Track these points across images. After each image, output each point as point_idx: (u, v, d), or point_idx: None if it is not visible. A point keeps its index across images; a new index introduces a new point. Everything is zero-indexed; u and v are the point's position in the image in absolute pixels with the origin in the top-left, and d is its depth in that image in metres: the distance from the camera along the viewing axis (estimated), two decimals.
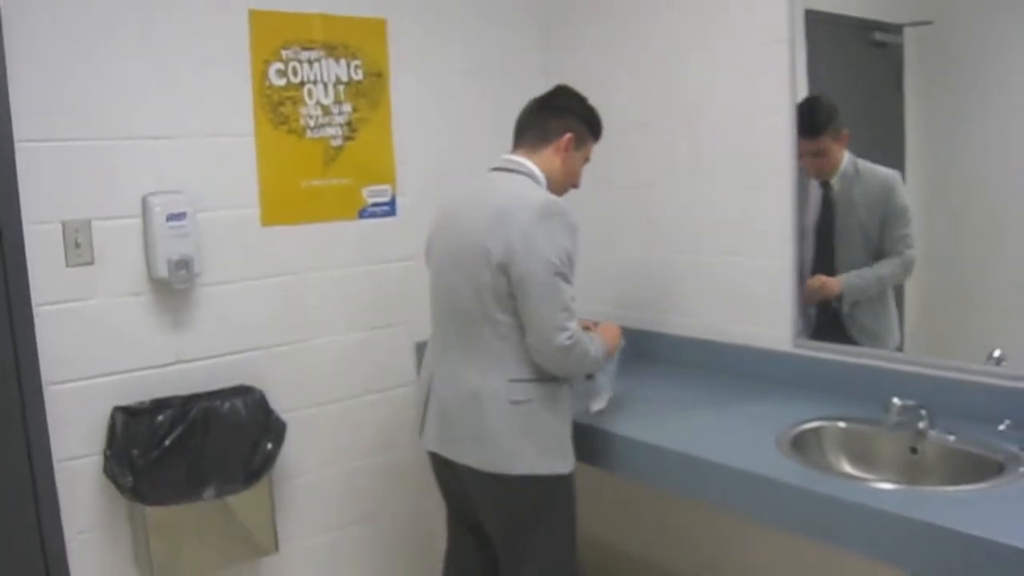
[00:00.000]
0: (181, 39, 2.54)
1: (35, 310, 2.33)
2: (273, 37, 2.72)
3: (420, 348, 2.98)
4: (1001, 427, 2.11)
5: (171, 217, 2.48)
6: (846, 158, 2.59)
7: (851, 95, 2.61)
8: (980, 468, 1.99)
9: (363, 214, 2.97)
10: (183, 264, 2.50)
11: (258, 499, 2.65)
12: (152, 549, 2.46)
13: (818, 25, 2.55)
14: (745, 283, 2.81)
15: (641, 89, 3.06)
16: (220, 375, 2.66)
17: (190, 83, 2.56)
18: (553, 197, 2.22)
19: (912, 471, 2.17)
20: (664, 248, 3.07)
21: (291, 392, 2.82)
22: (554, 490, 2.25)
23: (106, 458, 2.43)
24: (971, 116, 2.33)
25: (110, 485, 2.44)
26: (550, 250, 2.11)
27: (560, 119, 2.37)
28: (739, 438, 2.26)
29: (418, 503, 3.15)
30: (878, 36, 2.51)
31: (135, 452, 2.42)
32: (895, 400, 2.18)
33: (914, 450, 2.20)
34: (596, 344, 2.28)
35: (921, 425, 2.18)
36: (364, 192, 2.97)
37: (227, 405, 2.59)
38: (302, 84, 2.79)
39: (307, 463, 2.91)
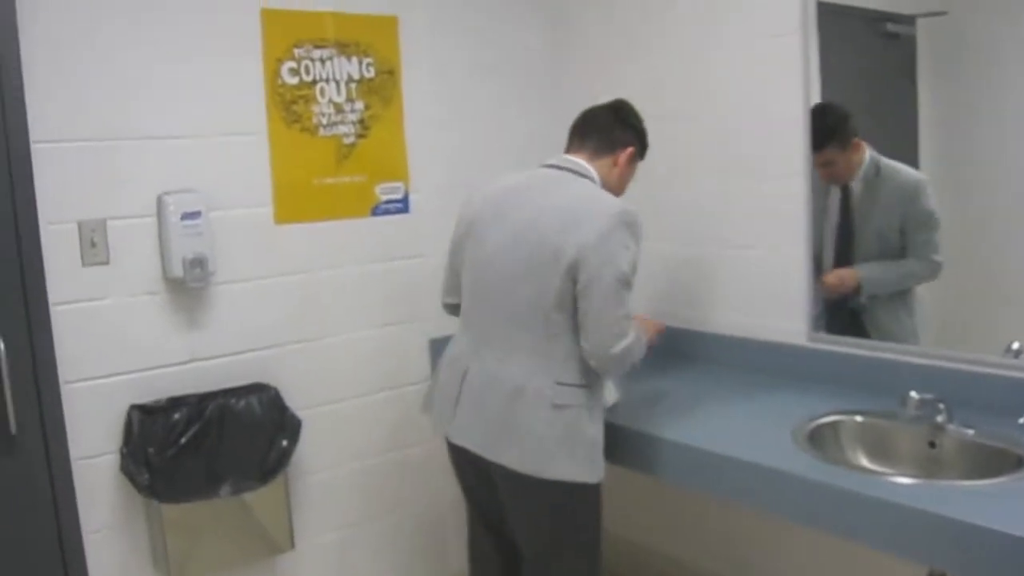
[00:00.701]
0: (194, 39, 2.55)
1: (52, 309, 2.34)
2: (285, 36, 2.72)
3: (434, 345, 2.99)
4: (1021, 420, 2.08)
5: (185, 216, 2.49)
6: (867, 160, 2.55)
7: (864, 87, 2.60)
8: (999, 462, 1.97)
9: (376, 211, 2.97)
10: (198, 263, 2.51)
11: (274, 496, 2.66)
12: (169, 546, 2.47)
13: (830, 17, 2.53)
14: (759, 277, 2.79)
15: (652, 84, 3.04)
16: (235, 373, 2.67)
17: (203, 83, 2.57)
18: (628, 205, 2.18)
19: (930, 465, 2.16)
20: (677, 243, 3.06)
21: (306, 389, 2.83)
22: (584, 498, 2.23)
23: (123, 456, 2.45)
24: (986, 107, 2.32)
25: (127, 483, 2.45)
26: (623, 258, 2.10)
27: (626, 132, 2.39)
28: (755, 433, 2.26)
29: (432, 499, 3.15)
30: (891, 27, 2.49)
31: (151, 450, 2.43)
32: (913, 394, 2.16)
33: (932, 444, 2.18)
34: (642, 344, 2.24)
35: (939, 419, 2.16)
36: (377, 189, 2.97)
37: (242, 403, 2.60)
38: (314, 82, 2.80)
39: (322, 460, 2.91)
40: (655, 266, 3.06)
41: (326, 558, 2.97)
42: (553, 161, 2.34)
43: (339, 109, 2.85)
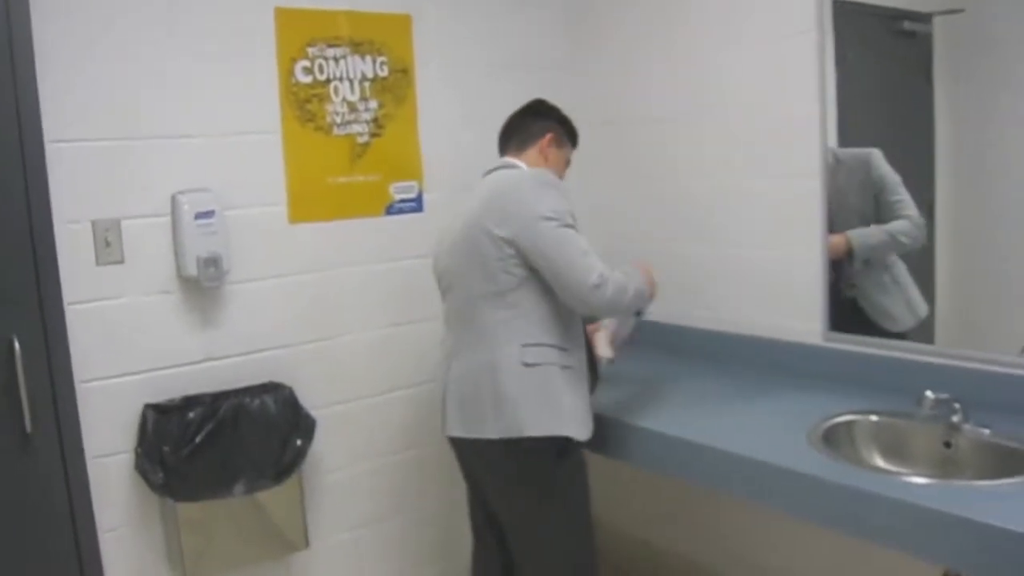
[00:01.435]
0: (208, 38, 2.55)
1: (66, 309, 2.35)
2: (299, 35, 2.73)
3: None
4: None
5: (200, 215, 2.50)
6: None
7: (879, 85, 2.58)
8: (1015, 462, 1.96)
9: (390, 210, 2.97)
10: (212, 262, 2.51)
11: (288, 495, 2.66)
12: (183, 545, 2.48)
13: (846, 15, 2.52)
14: (775, 276, 2.79)
15: (667, 81, 3.04)
16: (250, 372, 2.68)
17: (217, 82, 2.58)
18: (542, 169, 2.36)
19: (946, 465, 2.15)
20: (693, 241, 3.05)
21: (320, 389, 2.83)
22: (565, 457, 2.29)
23: (137, 455, 2.46)
24: (1002, 106, 2.30)
25: (141, 482, 2.46)
26: (549, 209, 2.20)
27: (542, 122, 2.51)
28: (770, 432, 2.25)
29: (445, 499, 3.15)
30: (907, 25, 2.48)
31: (166, 449, 2.44)
32: (928, 393, 2.14)
33: (948, 444, 2.16)
34: (632, 276, 2.34)
35: (955, 419, 2.14)
36: (391, 188, 2.97)
37: (257, 402, 2.61)
38: (328, 81, 2.80)
39: (337, 459, 2.92)
40: (671, 265, 3.05)
41: (340, 557, 2.97)
42: (489, 167, 2.47)
43: (353, 108, 2.86)
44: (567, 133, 2.54)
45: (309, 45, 2.75)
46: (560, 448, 2.26)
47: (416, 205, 3.03)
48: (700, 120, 2.96)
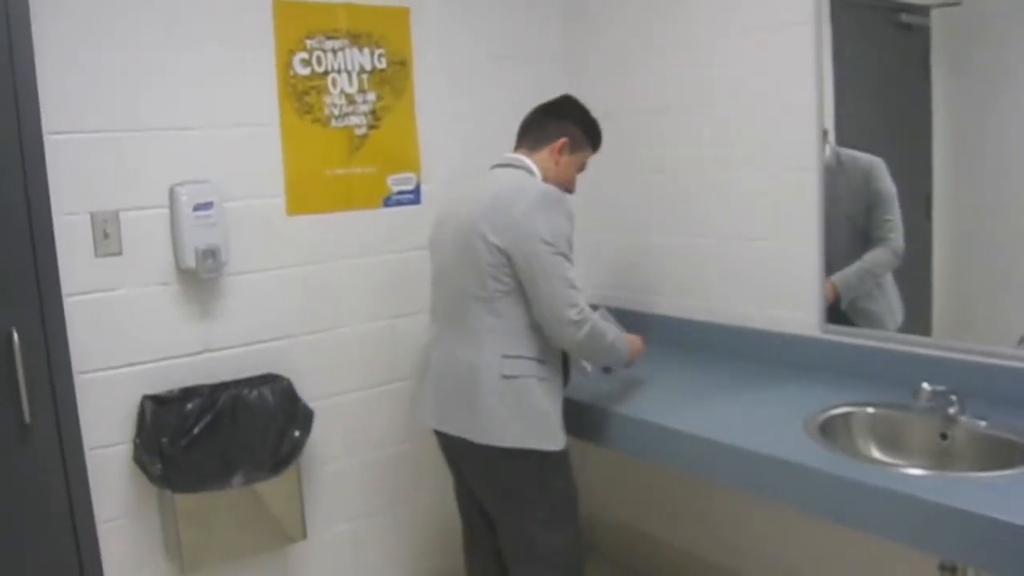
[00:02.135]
0: (206, 30, 2.55)
1: (65, 300, 2.35)
2: (297, 27, 2.72)
3: None
4: None
5: (198, 207, 2.50)
6: (827, 151, 2.60)
7: (877, 78, 2.58)
8: (1011, 454, 1.96)
9: (388, 202, 2.98)
10: (210, 253, 2.52)
11: (286, 487, 2.67)
12: (181, 536, 2.48)
13: (844, 7, 2.52)
14: (772, 268, 2.79)
15: (665, 73, 3.04)
16: (248, 364, 2.69)
17: (215, 74, 2.58)
18: (551, 187, 2.31)
19: (942, 457, 2.15)
20: (690, 233, 3.05)
21: (318, 380, 2.84)
22: (544, 468, 2.31)
23: (135, 446, 2.46)
24: (1000, 99, 2.30)
25: (140, 473, 2.46)
26: (549, 233, 2.20)
27: (560, 124, 2.46)
28: (767, 423, 2.25)
29: (444, 490, 3.15)
30: (904, 18, 2.48)
31: (164, 440, 2.44)
32: (925, 385, 2.15)
33: (944, 436, 2.17)
34: (615, 333, 2.38)
35: (951, 410, 2.15)
36: (389, 180, 2.97)
37: (255, 393, 2.61)
38: (326, 73, 2.80)
39: (334, 451, 2.93)
40: (668, 258, 3.06)
41: (338, 548, 2.98)
42: (497, 161, 2.45)
43: (351, 100, 2.86)
44: (587, 135, 2.50)
45: (307, 37, 2.75)
46: (541, 454, 2.28)
47: (414, 197, 3.03)
48: (697, 112, 2.95)
